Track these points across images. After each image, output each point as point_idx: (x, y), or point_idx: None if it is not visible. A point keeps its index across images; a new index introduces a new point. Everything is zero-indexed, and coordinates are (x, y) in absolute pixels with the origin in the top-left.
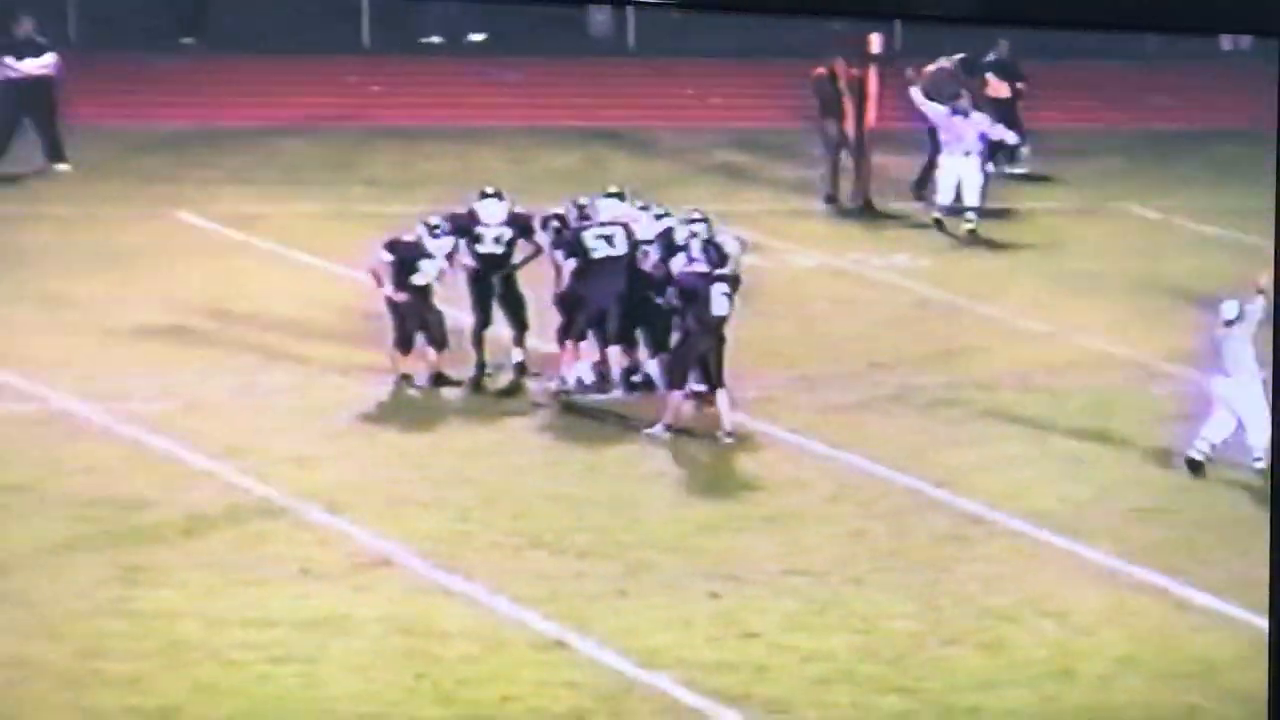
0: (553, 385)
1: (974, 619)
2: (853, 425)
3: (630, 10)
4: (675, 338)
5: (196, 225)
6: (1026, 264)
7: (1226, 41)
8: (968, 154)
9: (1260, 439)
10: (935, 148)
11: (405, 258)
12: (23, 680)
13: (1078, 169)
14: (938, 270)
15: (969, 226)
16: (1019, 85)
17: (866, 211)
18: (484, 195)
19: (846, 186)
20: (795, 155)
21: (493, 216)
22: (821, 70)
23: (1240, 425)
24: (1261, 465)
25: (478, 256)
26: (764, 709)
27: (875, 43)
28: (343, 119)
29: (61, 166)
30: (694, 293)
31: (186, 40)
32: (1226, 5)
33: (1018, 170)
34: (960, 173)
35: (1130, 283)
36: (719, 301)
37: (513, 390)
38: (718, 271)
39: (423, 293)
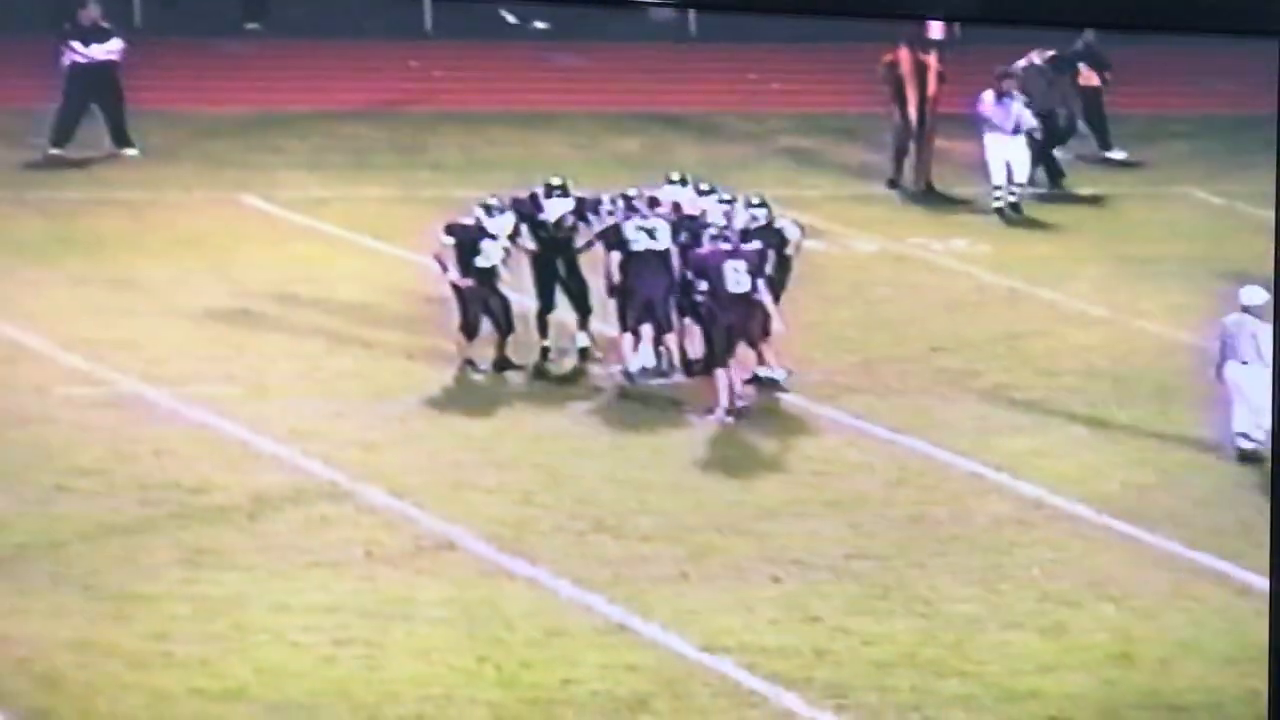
0: (615, 372)
1: (1035, 603)
2: (915, 410)
3: None
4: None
5: (262, 210)
6: (1088, 249)
7: None
8: (1016, 133)
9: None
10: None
11: (466, 241)
12: (91, 662)
13: (1140, 154)
14: (998, 255)
15: (1013, 200)
16: (1106, 75)
17: (928, 195)
18: (550, 191)
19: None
20: (858, 139)
21: (556, 207)
22: (889, 56)
23: (1255, 410)
24: (1251, 445)
25: (540, 240)
26: (824, 693)
27: (936, 28)
28: (407, 104)
29: (129, 152)
30: (705, 269)
31: (251, 25)
32: (1226, 5)
33: (1115, 156)
34: (1008, 154)
35: (1192, 268)
36: (733, 278)
37: (576, 375)
38: (739, 247)
39: (487, 276)
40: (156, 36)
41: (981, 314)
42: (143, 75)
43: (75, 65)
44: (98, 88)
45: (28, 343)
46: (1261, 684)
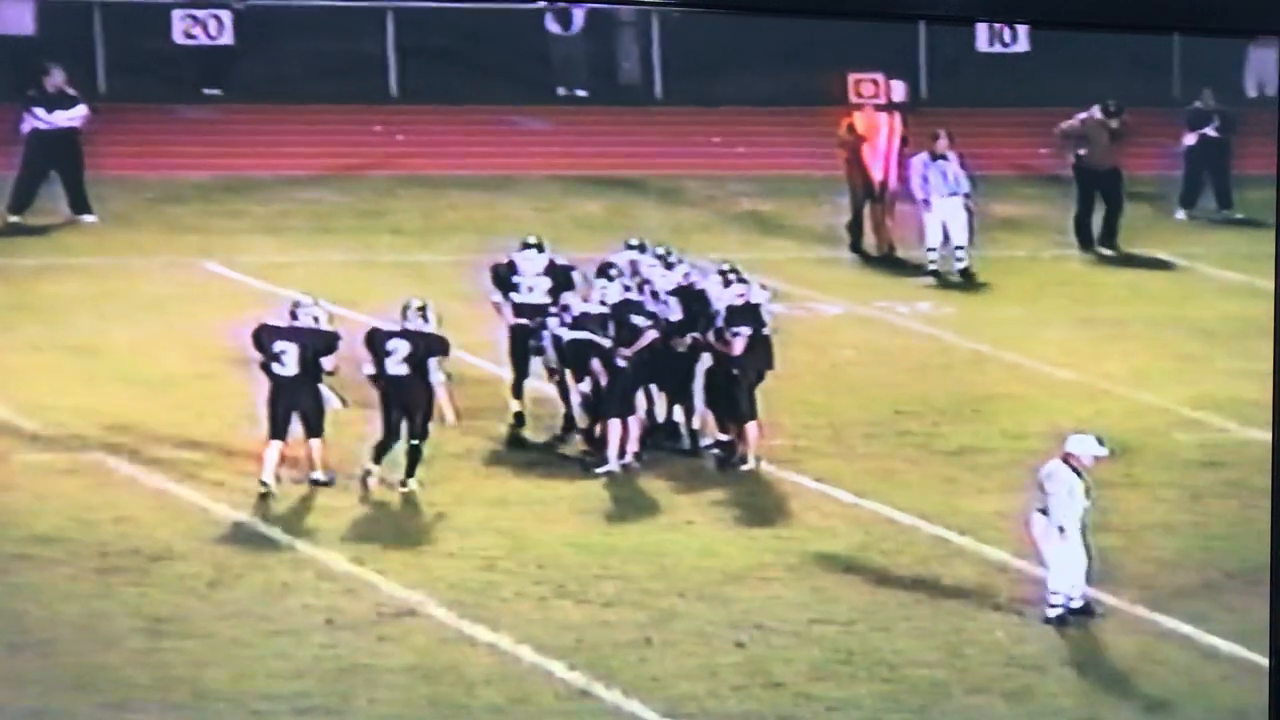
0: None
1: (1000, 667)
2: (879, 473)
3: (657, 59)
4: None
5: (223, 275)
6: (1052, 311)
7: (1251, 88)
8: (952, 195)
9: (1061, 583)
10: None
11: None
12: None
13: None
14: (962, 317)
15: (961, 265)
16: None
17: (890, 259)
18: (525, 245)
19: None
20: (821, 203)
21: (531, 267)
22: (848, 120)
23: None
24: (1054, 613)
25: (515, 307)
26: None
27: (898, 91)
28: (369, 168)
29: (87, 218)
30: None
31: (211, 91)
32: (1227, 5)
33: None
34: (945, 215)
35: (1157, 330)
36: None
37: (549, 443)
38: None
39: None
40: (120, 102)
41: (947, 376)
42: (103, 141)
43: (36, 131)
44: (58, 154)
45: None
46: None
